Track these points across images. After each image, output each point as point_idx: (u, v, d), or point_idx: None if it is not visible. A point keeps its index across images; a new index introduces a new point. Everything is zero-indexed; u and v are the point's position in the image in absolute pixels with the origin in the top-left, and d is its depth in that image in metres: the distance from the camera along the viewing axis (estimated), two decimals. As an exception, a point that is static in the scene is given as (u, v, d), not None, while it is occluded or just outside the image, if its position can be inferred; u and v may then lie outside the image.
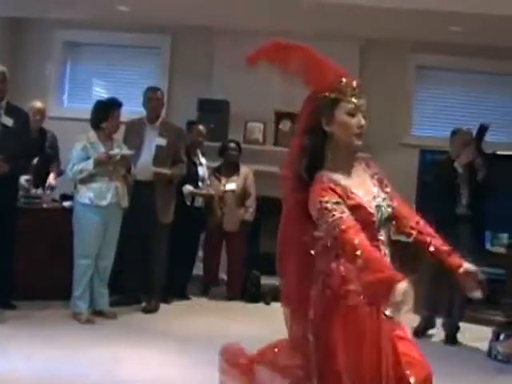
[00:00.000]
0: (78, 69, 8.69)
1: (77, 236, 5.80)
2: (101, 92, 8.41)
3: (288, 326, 3.14)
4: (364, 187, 2.78)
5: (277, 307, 7.27)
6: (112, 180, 5.79)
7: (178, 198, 6.54)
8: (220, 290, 7.28)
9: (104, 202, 5.73)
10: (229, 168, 7.36)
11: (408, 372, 2.60)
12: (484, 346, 5.54)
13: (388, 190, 2.85)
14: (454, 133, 6.18)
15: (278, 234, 3.20)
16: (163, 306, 6.48)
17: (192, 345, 5.28)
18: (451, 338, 5.83)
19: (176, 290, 6.87)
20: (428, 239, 2.75)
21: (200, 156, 7.11)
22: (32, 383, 4.25)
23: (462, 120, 7.51)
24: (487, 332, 5.70)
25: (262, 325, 6.21)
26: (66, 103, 8.68)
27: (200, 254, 7.36)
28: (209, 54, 8.13)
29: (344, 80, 2.83)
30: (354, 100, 2.79)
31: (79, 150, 5.79)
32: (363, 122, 2.79)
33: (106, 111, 5.88)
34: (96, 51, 8.60)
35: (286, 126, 8.00)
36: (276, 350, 3.27)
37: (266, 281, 7.37)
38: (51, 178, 6.73)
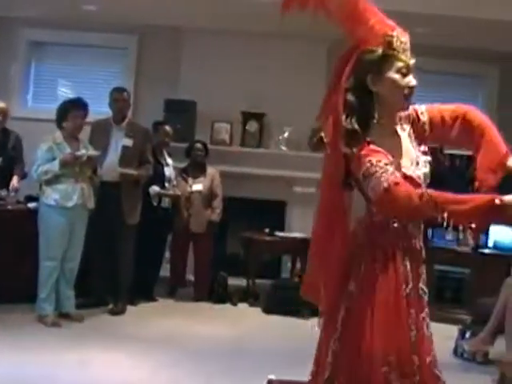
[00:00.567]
0: (42, 69, 8.59)
1: (42, 238, 5.72)
2: (66, 92, 8.31)
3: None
4: (408, 155, 2.56)
5: (244, 308, 7.39)
6: (78, 181, 5.73)
7: (144, 199, 6.51)
8: (187, 291, 7.26)
9: (70, 204, 5.66)
10: (196, 169, 7.35)
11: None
12: (450, 344, 5.60)
13: (424, 119, 2.63)
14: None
15: (317, 221, 2.72)
16: (130, 308, 6.44)
17: (159, 346, 5.26)
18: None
19: (143, 292, 6.84)
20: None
21: (166, 157, 7.09)
22: (-3, 388, 4.20)
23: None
24: (454, 330, 5.76)
25: (230, 326, 6.22)
26: (30, 103, 8.57)
27: (167, 255, 7.34)
28: (176, 54, 8.10)
29: (396, 34, 2.51)
30: (405, 58, 2.50)
31: (44, 150, 5.72)
32: (414, 82, 2.51)
33: (66, 111, 5.82)
34: (62, 51, 8.49)
35: (252, 126, 8.02)
36: None
37: (233, 282, 7.38)
38: (14, 180, 6.63)
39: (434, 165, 2.63)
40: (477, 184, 2.57)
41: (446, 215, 2.28)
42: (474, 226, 2.40)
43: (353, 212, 2.67)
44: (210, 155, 7.46)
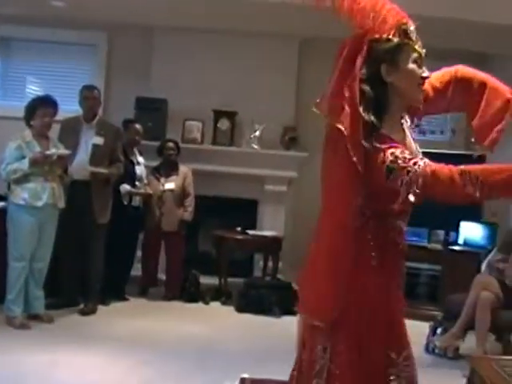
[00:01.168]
0: (10, 65, 8.46)
1: (11, 238, 5.64)
2: (35, 90, 8.21)
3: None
4: (411, 149, 2.48)
5: (216, 307, 7.38)
6: (48, 180, 5.66)
7: (115, 198, 6.46)
8: (159, 291, 7.22)
9: (39, 203, 5.60)
10: (168, 167, 7.33)
11: None
12: (422, 340, 5.63)
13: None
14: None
15: (323, 224, 2.50)
16: (101, 308, 6.38)
17: (131, 346, 5.23)
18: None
19: (114, 292, 6.79)
20: None
21: (137, 155, 7.05)
22: (-35, 390, 4.14)
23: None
24: (426, 327, 5.80)
25: (202, 325, 6.20)
26: (-3, 101, 8.46)
27: (138, 254, 7.30)
28: (147, 52, 8.05)
29: (410, 23, 2.41)
30: (419, 48, 2.42)
31: (13, 149, 5.64)
32: (428, 73, 2.45)
33: (34, 109, 5.74)
34: (30, 47, 8.38)
35: (224, 124, 8.00)
36: None
37: (205, 280, 7.36)
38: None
39: None
40: (481, 140, 2.59)
41: (486, 189, 2.24)
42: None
43: None
44: (182, 154, 7.42)
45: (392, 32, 2.38)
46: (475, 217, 7.38)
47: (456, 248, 7.32)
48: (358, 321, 2.45)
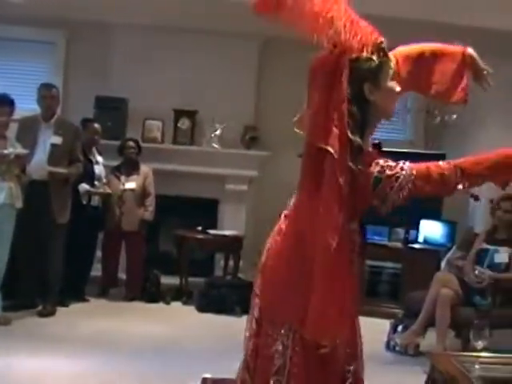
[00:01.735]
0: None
1: (-33, 238, 5.55)
2: (-9, 88, 8.07)
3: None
4: None
5: (177, 307, 7.34)
6: (5, 180, 5.58)
7: (74, 198, 6.39)
8: (119, 291, 7.17)
9: (-4, 203, 5.52)
10: (128, 167, 7.29)
11: None
12: (383, 338, 5.67)
13: None
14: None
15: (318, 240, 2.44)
16: (60, 310, 6.31)
17: (91, 348, 5.17)
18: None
19: (73, 292, 6.71)
20: None
21: (96, 154, 6.99)
22: None
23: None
24: (386, 325, 5.84)
25: (163, 325, 6.17)
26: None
27: (98, 254, 7.23)
28: (107, 50, 7.96)
29: (383, 40, 2.44)
30: (393, 64, 2.50)
31: (-31, 148, 5.56)
32: (399, 88, 2.52)
33: None
34: (-15, 45, 8.25)
35: (184, 124, 7.96)
36: None
37: (165, 280, 7.32)
38: None
39: None
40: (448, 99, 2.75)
41: (472, 180, 2.48)
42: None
43: None
44: (142, 153, 7.38)
45: (369, 50, 2.39)
46: (435, 215, 7.46)
47: (416, 246, 7.39)
48: None
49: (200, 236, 7.34)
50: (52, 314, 6.16)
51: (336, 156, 2.36)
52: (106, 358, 4.94)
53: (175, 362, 4.93)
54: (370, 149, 2.53)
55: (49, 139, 6.18)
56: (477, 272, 5.49)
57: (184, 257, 7.31)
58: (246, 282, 7.15)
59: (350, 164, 2.39)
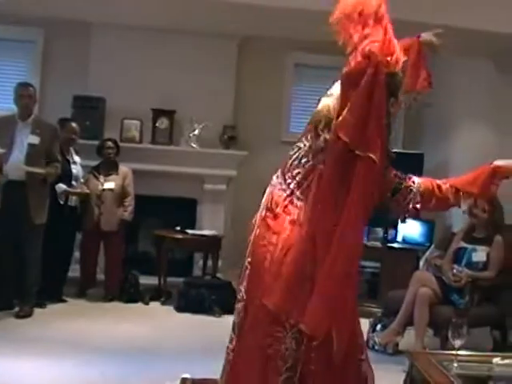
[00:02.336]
0: None
1: None
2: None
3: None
4: None
5: (156, 307, 7.32)
6: (-19, 180, 5.54)
7: (51, 198, 6.34)
8: (98, 292, 7.13)
9: (-27, 203, 5.47)
10: (107, 167, 7.26)
11: None
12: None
13: None
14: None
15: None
16: (38, 311, 6.26)
17: (69, 349, 5.13)
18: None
19: (51, 293, 6.66)
20: None
21: (73, 154, 6.94)
22: None
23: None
24: (365, 324, 5.84)
25: (142, 325, 6.15)
26: None
27: (76, 254, 7.18)
28: (85, 49, 7.91)
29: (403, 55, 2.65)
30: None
31: None
32: None
33: None
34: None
35: (163, 123, 7.93)
36: None
37: (144, 280, 7.30)
38: None
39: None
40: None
41: (465, 198, 2.84)
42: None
43: None
44: (120, 153, 7.34)
45: (398, 66, 2.58)
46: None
47: (395, 245, 7.43)
48: None
49: (179, 236, 7.32)
50: (29, 315, 6.11)
51: (377, 164, 2.52)
52: (84, 359, 4.91)
53: (154, 363, 4.91)
54: None
55: (26, 139, 6.13)
56: (455, 271, 5.52)
57: (163, 257, 7.29)
58: (225, 281, 7.16)
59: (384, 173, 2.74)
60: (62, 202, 6.64)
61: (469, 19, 5.87)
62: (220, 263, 7.48)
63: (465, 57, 7.29)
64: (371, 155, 2.48)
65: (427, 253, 6.40)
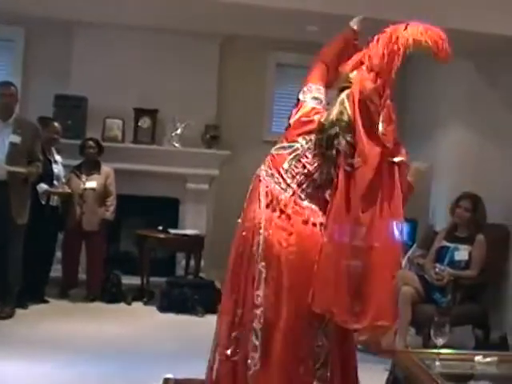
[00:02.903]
0: None
1: None
2: None
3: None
4: None
5: (138, 307, 7.29)
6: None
7: (33, 198, 6.30)
8: (80, 292, 7.09)
9: (-47, 203, 5.43)
10: (89, 166, 7.23)
11: None
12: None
13: None
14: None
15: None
16: (19, 311, 6.21)
17: (51, 350, 5.10)
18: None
19: (33, 294, 6.63)
20: None
21: (55, 153, 6.90)
22: None
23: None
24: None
25: (125, 325, 6.14)
26: None
27: (58, 254, 7.14)
28: (66, 48, 7.85)
29: None
30: None
31: None
32: None
33: None
34: None
35: (145, 123, 7.90)
36: None
37: (126, 280, 7.27)
38: None
39: None
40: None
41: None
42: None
43: None
44: (103, 152, 7.32)
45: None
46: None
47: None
48: None
49: (161, 235, 7.30)
50: (10, 316, 6.06)
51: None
52: (67, 359, 4.88)
53: (137, 363, 4.89)
54: None
55: (7, 138, 6.08)
56: (437, 270, 5.54)
57: (145, 256, 7.27)
58: (208, 281, 7.16)
59: None
60: (43, 202, 6.60)
61: (448, 18, 5.88)
62: (203, 263, 7.47)
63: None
64: (404, 160, 3.02)
65: (410, 252, 6.42)
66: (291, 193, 3.01)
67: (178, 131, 7.84)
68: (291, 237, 2.94)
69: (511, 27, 5.96)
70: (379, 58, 2.93)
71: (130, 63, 7.84)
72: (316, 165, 3.08)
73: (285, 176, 3.03)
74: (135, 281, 7.32)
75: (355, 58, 3.17)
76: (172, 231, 7.40)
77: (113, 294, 7.06)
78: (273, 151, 3.17)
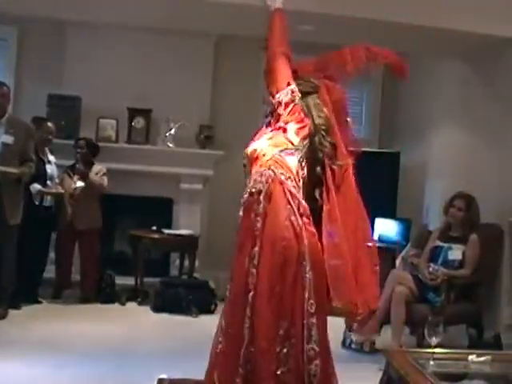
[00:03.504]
0: None
1: None
2: None
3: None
4: None
5: (132, 307, 7.28)
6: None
7: (26, 198, 6.28)
8: (73, 292, 7.07)
9: None
10: (82, 166, 7.18)
11: None
12: (339, 336, 5.69)
13: None
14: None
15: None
16: (12, 312, 6.19)
17: (45, 351, 5.09)
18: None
19: (26, 294, 6.60)
20: None
21: (48, 154, 6.88)
22: None
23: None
24: (342, 322, 5.85)
25: (119, 326, 6.13)
26: None
27: (52, 255, 7.12)
28: (60, 47, 7.82)
29: None
30: None
31: None
32: None
33: None
34: None
35: (139, 123, 7.88)
36: None
37: (120, 281, 7.26)
38: None
39: None
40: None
41: None
42: None
43: None
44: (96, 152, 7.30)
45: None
46: (389, 213, 7.52)
47: (371, 244, 7.42)
48: None
49: (155, 236, 7.29)
50: (3, 317, 6.04)
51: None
52: (61, 360, 4.87)
53: (131, 363, 4.89)
54: None
55: (0, 138, 6.07)
56: (431, 269, 5.55)
57: (139, 257, 7.25)
58: (202, 281, 7.15)
59: None
60: (37, 203, 6.58)
61: (441, 19, 5.89)
62: (197, 263, 7.46)
63: (437, 56, 7.33)
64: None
65: (404, 251, 6.43)
66: (302, 195, 3.09)
67: (172, 131, 7.83)
68: (319, 242, 3.11)
69: (504, 28, 5.97)
70: (342, 68, 3.39)
71: (123, 63, 7.82)
72: (307, 166, 3.22)
73: (297, 179, 3.08)
74: (129, 281, 7.31)
75: (314, 62, 3.65)
76: (166, 231, 7.39)
77: (107, 295, 7.05)
78: (276, 153, 3.14)
